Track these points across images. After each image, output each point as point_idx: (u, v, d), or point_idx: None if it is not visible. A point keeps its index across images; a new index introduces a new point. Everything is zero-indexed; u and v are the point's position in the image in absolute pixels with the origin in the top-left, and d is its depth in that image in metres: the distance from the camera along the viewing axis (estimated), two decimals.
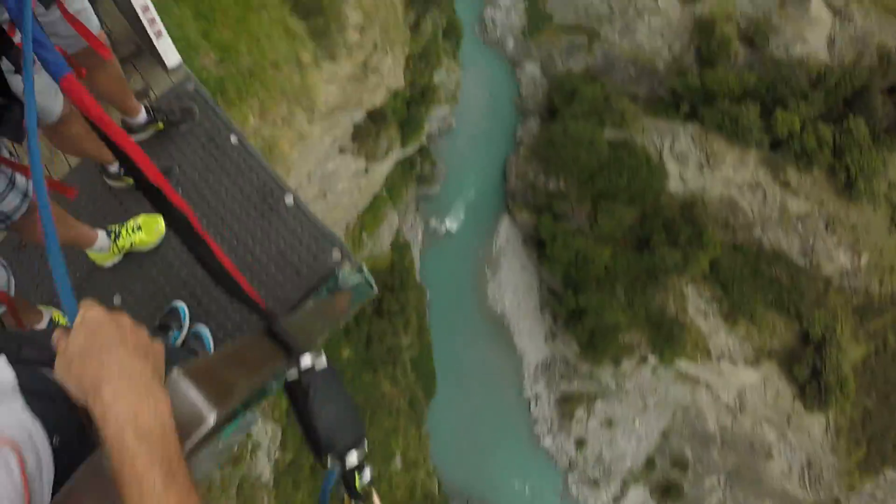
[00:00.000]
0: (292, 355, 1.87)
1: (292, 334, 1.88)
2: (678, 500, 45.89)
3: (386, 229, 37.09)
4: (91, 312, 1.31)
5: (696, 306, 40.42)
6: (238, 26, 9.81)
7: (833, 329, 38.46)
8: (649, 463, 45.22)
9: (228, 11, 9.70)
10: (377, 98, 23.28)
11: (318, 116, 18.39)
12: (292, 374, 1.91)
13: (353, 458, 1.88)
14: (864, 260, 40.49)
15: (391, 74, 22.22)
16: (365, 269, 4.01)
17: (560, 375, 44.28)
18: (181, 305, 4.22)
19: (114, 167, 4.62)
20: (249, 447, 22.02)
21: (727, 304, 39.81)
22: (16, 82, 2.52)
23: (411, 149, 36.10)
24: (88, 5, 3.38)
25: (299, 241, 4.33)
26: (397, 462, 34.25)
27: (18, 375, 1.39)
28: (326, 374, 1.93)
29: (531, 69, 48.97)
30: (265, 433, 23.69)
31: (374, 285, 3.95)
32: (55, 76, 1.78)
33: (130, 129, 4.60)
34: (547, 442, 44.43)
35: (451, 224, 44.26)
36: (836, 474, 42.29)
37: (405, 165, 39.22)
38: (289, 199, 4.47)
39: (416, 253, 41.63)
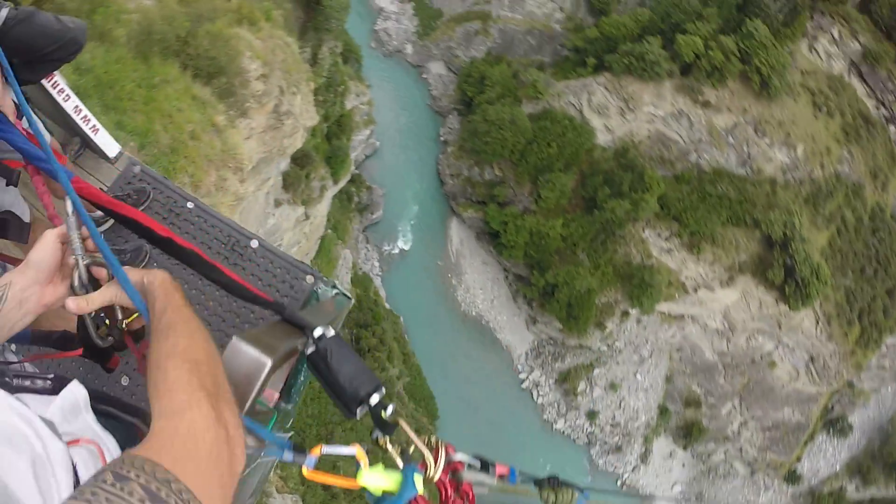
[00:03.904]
0: (306, 330, 2.31)
1: (302, 316, 2.38)
2: (702, 437, 46.31)
3: (342, 269, 37.02)
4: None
5: (659, 247, 41.27)
6: (148, 108, 9.82)
7: (792, 224, 39.91)
8: (663, 412, 45.90)
9: (134, 96, 9.69)
10: (297, 140, 23.14)
11: (247, 175, 18.11)
12: (310, 347, 2.30)
13: (375, 399, 2.21)
14: (800, 151, 41.86)
15: (304, 113, 22.08)
16: (338, 283, 4.51)
17: (551, 356, 44.78)
18: None
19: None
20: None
21: (686, 235, 40.82)
22: None
23: (344, 181, 36.00)
24: (37, 120, 3.65)
25: (274, 277, 4.81)
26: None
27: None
28: (337, 340, 2.31)
29: (436, 68, 49.71)
30: None
31: (350, 295, 4.28)
32: (65, 182, 2.16)
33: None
34: (560, 425, 45.01)
35: (404, 243, 44.70)
36: (840, 359, 43.58)
37: (343, 199, 39.31)
38: (254, 244, 4.89)
39: (378, 282, 41.86)
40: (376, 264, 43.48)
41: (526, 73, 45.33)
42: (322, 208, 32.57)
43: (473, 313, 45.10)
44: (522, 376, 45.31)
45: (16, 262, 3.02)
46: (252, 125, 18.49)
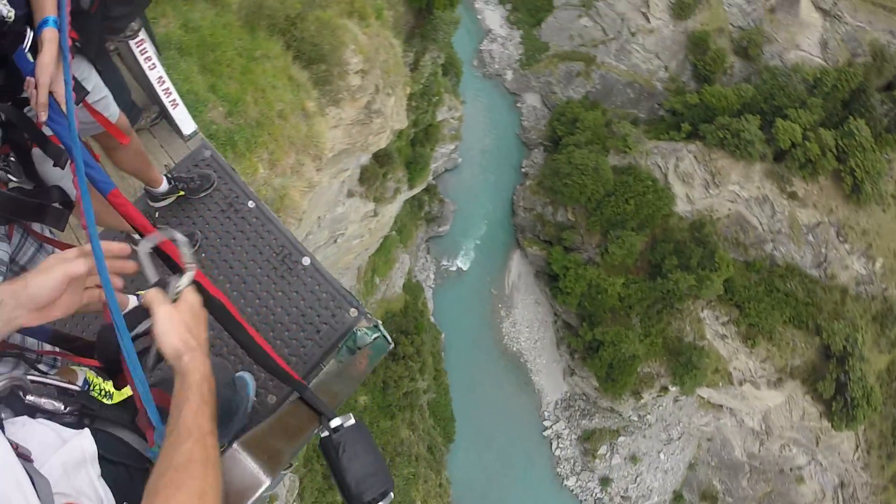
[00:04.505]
0: (323, 418, 2.25)
1: (321, 400, 2.31)
2: None
3: (398, 271, 37.30)
4: (193, 297, 1.76)
5: (714, 330, 40.37)
6: (243, 78, 10.04)
7: (854, 340, 38.46)
8: (677, 498, 44.78)
9: (233, 64, 9.92)
10: (382, 140, 23.45)
11: (325, 163, 18.39)
12: (325, 432, 2.25)
13: None
14: (878, 265, 40.57)
15: (394, 116, 22.36)
16: (381, 325, 4.25)
17: (580, 412, 44.09)
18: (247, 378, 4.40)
19: (159, 189, 4.82)
20: (267, 499, 21.67)
21: (745, 325, 39.84)
22: (44, 170, 2.90)
23: (419, 188, 36.37)
24: (108, 93, 3.63)
25: (318, 301, 4.72)
26: None
27: (98, 444, 1.62)
28: (355, 431, 2.24)
29: (531, 100, 49.78)
30: (283, 484, 23.46)
31: (391, 340, 4.20)
32: (103, 192, 2.11)
33: (154, 198, 4.89)
34: (571, 482, 44.23)
35: (463, 262, 44.88)
36: (871, 492, 41.89)
37: (413, 205, 39.65)
38: (306, 261, 4.81)
39: (429, 294, 42.02)
40: (431, 276, 43.75)
41: (619, 124, 44.87)
42: (392, 209, 32.92)
43: (514, 349, 44.83)
44: (546, 423, 44.61)
45: (61, 245, 2.87)
46: (341, 116, 18.76)
